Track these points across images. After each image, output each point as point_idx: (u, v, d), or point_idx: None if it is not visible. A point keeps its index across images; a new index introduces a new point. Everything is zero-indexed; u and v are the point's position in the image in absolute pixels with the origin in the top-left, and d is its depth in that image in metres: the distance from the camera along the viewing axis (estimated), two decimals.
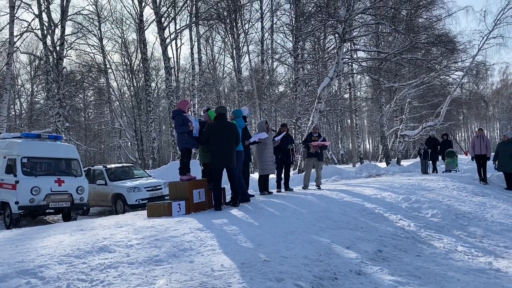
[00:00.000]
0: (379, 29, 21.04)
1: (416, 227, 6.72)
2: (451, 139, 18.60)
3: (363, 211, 7.41)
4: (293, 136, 22.28)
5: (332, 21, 18.13)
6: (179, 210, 6.79)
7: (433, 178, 12.49)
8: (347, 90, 33.35)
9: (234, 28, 26.35)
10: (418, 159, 18.84)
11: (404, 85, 23.28)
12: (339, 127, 41.66)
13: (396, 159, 26.23)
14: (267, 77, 30.32)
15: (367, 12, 18.09)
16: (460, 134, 61.35)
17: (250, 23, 29.46)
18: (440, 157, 16.61)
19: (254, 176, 12.75)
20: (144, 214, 7.13)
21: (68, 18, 20.67)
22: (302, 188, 10.46)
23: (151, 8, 21.17)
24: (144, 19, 23.94)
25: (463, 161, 21.63)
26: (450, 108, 26.90)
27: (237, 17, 25.88)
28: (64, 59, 21.06)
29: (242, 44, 28.68)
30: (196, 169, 8.64)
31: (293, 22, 22.49)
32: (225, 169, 7.28)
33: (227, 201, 7.92)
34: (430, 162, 16.16)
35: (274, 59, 30.04)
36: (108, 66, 33.08)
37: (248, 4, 27.63)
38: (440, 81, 24.93)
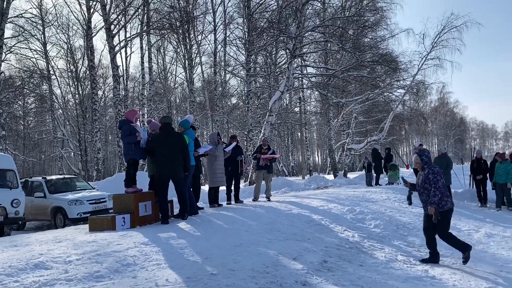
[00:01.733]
0: (328, 47, 21.79)
1: (360, 238, 6.96)
2: (393, 153, 19.52)
3: (310, 222, 7.57)
4: (245, 148, 22.48)
5: (284, 37, 18.60)
6: (123, 224, 6.56)
7: (376, 190, 13.03)
8: (298, 104, 34.15)
9: (187, 39, 26.21)
10: (363, 171, 19.56)
11: (350, 100, 24.22)
12: (289, 140, 42.43)
13: (343, 171, 27.11)
14: (220, 88, 30.37)
15: (316, 30, 18.77)
16: (402, 148, 64.52)
17: (203, 35, 29.43)
18: (383, 170, 17.38)
19: (205, 188, 12.65)
20: (86, 229, 6.83)
21: (8, 20, 19.56)
22: (253, 200, 10.52)
23: (100, 15, 20.59)
24: (93, 26, 23.25)
25: (404, 174, 22.73)
26: (393, 123, 28.25)
27: (190, 28, 25.79)
28: (3, 63, 19.88)
29: (195, 55, 28.55)
30: (143, 181, 8.39)
31: (246, 36, 22.79)
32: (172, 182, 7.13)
33: (175, 213, 7.79)
34: (374, 174, 16.85)
35: (226, 71, 30.19)
36: (51, 72, 31.60)
37: (201, 16, 27.66)
38: (383, 97, 26.15)
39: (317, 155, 63.28)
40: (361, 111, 28.06)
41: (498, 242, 7.80)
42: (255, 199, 10.51)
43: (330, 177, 25.56)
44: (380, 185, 16.39)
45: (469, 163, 14.63)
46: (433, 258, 6.19)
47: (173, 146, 6.95)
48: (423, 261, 6.15)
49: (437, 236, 6.19)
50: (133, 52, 46.46)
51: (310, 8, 21.95)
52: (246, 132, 22.22)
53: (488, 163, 13.39)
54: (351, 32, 20.46)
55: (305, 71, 27.36)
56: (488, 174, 12.85)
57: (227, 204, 9.70)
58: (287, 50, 18.32)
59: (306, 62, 23.93)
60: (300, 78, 26.75)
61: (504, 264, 6.27)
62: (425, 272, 5.51)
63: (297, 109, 33.83)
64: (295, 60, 18.50)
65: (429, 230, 6.23)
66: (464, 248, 6.11)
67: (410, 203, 10.89)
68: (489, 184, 12.97)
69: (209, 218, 7.31)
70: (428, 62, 22.50)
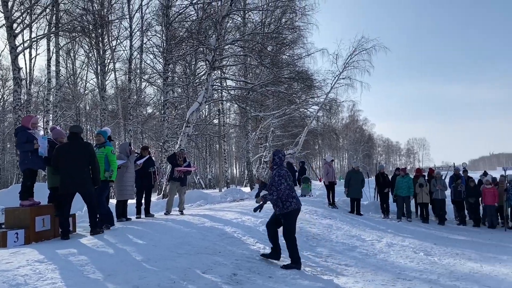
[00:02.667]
0: (247, 61, 22.19)
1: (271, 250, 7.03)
2: (306, 167, 20.30)
3: (223, 235, 7.50)
4: (160, 160, 21.81)
5: (203, 48, 18.55)
6: (16, 240, 5.95)
7: None
8: (217, 116, 34.18)
9: (100, 44, 24.94)
10: None
11: (268, 114, 24.82)
12: (207, 152, 42.20)
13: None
14: (135, 97, 29.27)
15: (236, 44, 18.99)
16: (315, 162, 67.61)
17: (118, 40, 28.23)
18: (297, 183, 17.96)
19: (113, 201, 11.99)
20: None
21: None
22: (165, 214, 10.16)
23: (1, 12, 18.78)
24: None
25: (317, 186, 23.72)
26: (307, 138, 29.50)
27: (104, 33, 24.60)
28: None
29: (108, 60, 27.23)
30: (41, 193, 7.68)
31: (164, 44, 22.34)
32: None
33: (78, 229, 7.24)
34: None
35: (142, 79, 29.23)
36: None
37: (116, 21, 26.56)
38: (299, 113, 27.24)
39: (235, 167, 63.76)
40: (278, 125, 28.87)
41: (397, 251, 8.42)
42: (167, 212, 10.15)
43: (247, 189, 25.82)
44: None
45: (374, 177, 15.71)
46: (273, 255, 6.32)
47: (81, 157, 6.51)
48: (263, 255, 6.35)
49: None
50: (38, 54, 42.93)
51: (230, 21, 22.23)
52: (161, 143, 21.61)
53: (390, 177, 14.54)
54: (270, 48, 21.06)
55: (224, 84, 27.56)
56: (389, 188, 13.93)
57: (136, 218, 9.26)
58: (207, 62, 18.28)
59: (225, 74, 24.06)
60: (219, 90, 26.84)
61: (402, 271, 6.76)
62: (330, 282, 5.71)
63: (216, 121, 33.85)
64: (215, 72, 18.52)
65: (272, 225, 6.43)
66: (295, 261, 6.14)
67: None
68: (391, 197, 14.04)
69: (116, 233, 6.89)
70: (340, 81, 23.93)
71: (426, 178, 13.89)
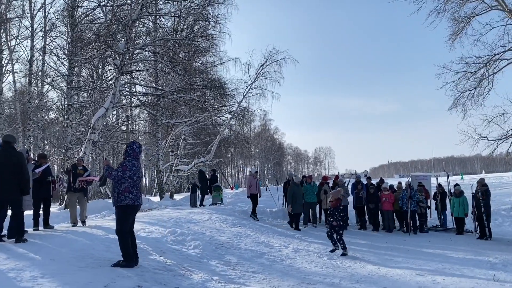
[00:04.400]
0: (159, 67, 21.79)
1: (178, 260, 7.01)
2: (218, 175, 20.45)
3: None
4: (63, 168, 20.34)
5: (111, 52, 17.82)
6: None
7: (199, 211, 13.38)
8: (125, 122, 32.90)
9: None
10: (189, 192, 19.88)
11: (180, 122, 24.56)
12: (115, 160, 40.27)
13: (170, 193, 27.01)
14: (36, 101, 27.00)
15: (146, 49, 18.55)
16: (227, 170, 68.18)
17: (18, 40, 25.88)
18: (208, 191, 17.99)
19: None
20: None
21: None
22: (72, 226, 9.50)
23: None
24: None
25: (228, 195, 24.00)
26: (220, 146, 29.73)
27: (1, 31, 22.43)
28: None
29: (6, 61, 24.82)
30: None
31: (69, 46, 21.01)
32: None
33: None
34: (200, 195, 17.30)
35: (44, 82, 27.11)
36: None
37: (16, 19, 24.34)
38: (212, 121, 27.33)
39: (145, 176, 61.68)
40: (190, 133, 28.67)
41: (303, 256, 8.86)
42: (74, 224, 9.54)
43: (156, 198, 25.19)
44: (204, 205, 16.90)
45: (283, 184, 16.28)
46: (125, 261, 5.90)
47: (14, 167, 6.70)
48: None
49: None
50: None
51: (141, 26, 21.70)
52: (64, 150, 20.20)
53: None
54: (182, 55, 20.92)
55: (134, 89, 26.68)
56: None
57: (34, 230, 8.58)
58: (115, 66, 17.58)
59: (135, 80, 23.33)
60: (128, 96, 25.91)
61: (306, 276, 7.15)
62: None
63: (124, 128, 32.55)
64: (123, 76, 17.87)
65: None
66: (127, 258, 5.88)
67: None
68: None
69: (8, 247, 6.35)
70: (252, 90, 24.60)
71: (331, 185, 14.74)
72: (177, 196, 27.47)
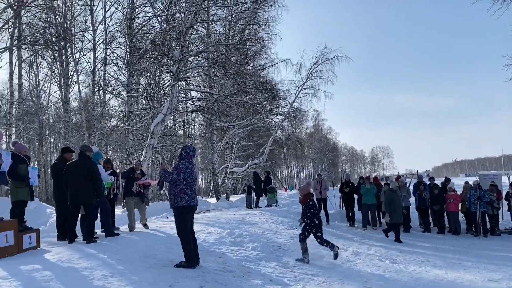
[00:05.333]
0: (212, 72, 22.29)
1: (238, 261, 7.11)
2: (272, 176, 20.50)
3: None
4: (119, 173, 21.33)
5: (167, 60, 18.50)
6: None
7: (255, 212, 13.47)
8: (181, 127, 33.92)
9: (63, 56, 24.35)
10: (244, 194, 20.10)
11: (233, 125, 24.94)
12: (173, 164, 41.68)
13: (225, 194, 27.51)
14: (99, 109, 28.65)
15: (200, 55, 19.06)
16: (281, 171, 68.08)
17: (82, 53, 27.61)
18: (263, 193, 18.08)
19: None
20: None
21: None
22: (129, 230, 9.81)
23: None
24: None
25: (283, 196, 24.00)
26: (273, 147, 29.81)
27: (67, 45, 24.04)
28: None
29: (72, 73, 26.60)
30: (4, 208, 7.51)
31: (128, 56, 22.09)
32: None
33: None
34: (255, 197, 17.44)
35: (106, 91, 28.69)
36: None
37: (80, 33, 26.00)
38: (264, 123, 27.54)
39: (201, 178, 63.26)
40: (243, 135, 29.01)
41: (364, 259, 8.63)
42: (131, 229, 9.58)
43: (213, 200, 25.72)
44: (259, 207, 17.01)
45: (339, 186, 15.95)
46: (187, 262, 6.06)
47: (88, 174, 7.42)
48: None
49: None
50: (1, 67, 41.32)
51: (194, 33, 22.30)
52: (126, 155, 21.24)
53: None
54: (234, 59, 21.25)
55: (189, 95, 27.48)
56: (356, 196, 14.16)
57: (101, 231, 9.08)
58: (171, 73, 18.25)
59: (190, 85, 24.05)
60: (184, 101, 26.72)
61: (368, 280, 6.95)
62: None
63: (181, 132, 33.58)
64: (179, 83, 18.49)
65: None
66: (189, 259, 6.07)
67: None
68: (356, 206, 14.30)
69: (80, 247, 6.78)
70: (304, 91, 24.46)
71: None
72: (232, 198, 27.92)
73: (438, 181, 15.13)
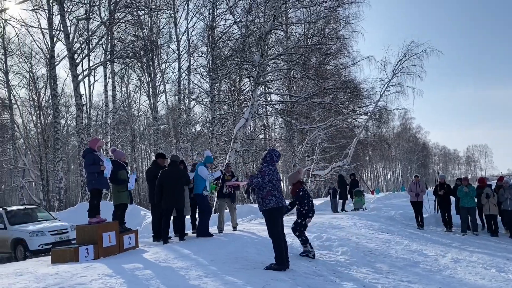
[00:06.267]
0: (291, 74, 22.27)
1: (327, 265, 6.91)
2: (358, 179, 19.81)
3: None
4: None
5: (247, 65, 18.86)
6: (87, 255, 6.35)
7: (342, 216, 13.09)
8: (262, 130, 34.40)
9: (151, 67, 26.12)
10: (328, 198, 19.69)
11: (314, 127, 24.61)
12: (254, 167, 42.40)
13: None
14: (184, 116, 30.19)
15: (279, 58, 19.13)
16: (366, 174, 65.86)
17: (167, 63, 29.42)
18: (349, 196, 17.55)
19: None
20: (48, 261, 6.59)
21: None
22: (219, 232, 10.00)
23: (64, 44, 20.24)
24: (56, 55, 22.73)
25: (369, 199, 23.11)
26: (357, 149, 28.82)
27: (154, 57, 25.73)
28: None
29: (159, 83, 28.43)
30: (107, 210, 8.18)
31: (210, 64, 22.95)
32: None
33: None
34: (340, 200, 16.98)
35: (191, 99, 30.13)
36: (13, 101, 30.49)
37: (165, 44, 27.69)
38: (347, 124, 26.71)
39: (283, 181, 63.53)
40: (325, 137, 28.51)
41: (465, 267, 7.92)
42: (220, 230, 9.85)
43: None
44: (346, 211, 16.53)
45: (433, 188, 14.88)
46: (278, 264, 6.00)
47: (179, 180, 8.08)
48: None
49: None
50: (96, 80, 45.70)
51: (273, 36, 22.47)
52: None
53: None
54: (313, 59, 21.00)
55: (269, 98, 27.74)
56: (453, 199, 13.11)
57: (192, 233, 9.45)
58: (251, 78, 18.57)
59: (270, 89, 24.27)
60: (264, 105, 27.06)
61: None
62: None
63: (261, 136, 34.03)
64: (259, 87, 18.74)
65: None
66: (280, 262, 5.99)
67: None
68: (453, 209, 13.25)
69: (175, 248, 7.09)
70: (390, 88, 23.20)
71: (493, 187, 12.94)
72: (316, 201, 27.53)
73: None
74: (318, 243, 8.41)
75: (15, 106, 31.26)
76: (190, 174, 9.01)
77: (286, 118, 23.74)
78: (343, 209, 16.72)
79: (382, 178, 75.02)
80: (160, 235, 8.19)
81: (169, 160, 8.68)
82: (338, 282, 6.08)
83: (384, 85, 23.06)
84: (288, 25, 23.30)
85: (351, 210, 16.68)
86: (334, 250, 8.09)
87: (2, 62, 29.14)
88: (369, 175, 69.82)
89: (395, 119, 54.51)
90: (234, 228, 10.18)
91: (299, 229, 7.27)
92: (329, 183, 24.12)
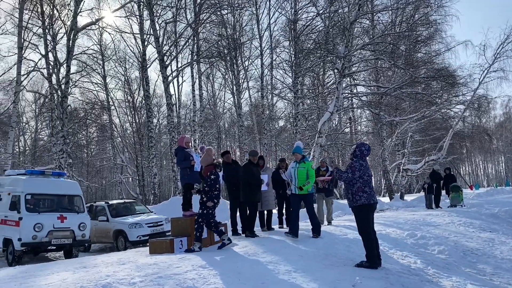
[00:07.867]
0: (379, 64, 21.32)
1: (423, 264, 6.52)
2: (454, 173, 18.41)
3: None
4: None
5: (331, 57, 18.45)
6: (181, 246, 6.73)
7: (438, 213, 12.28)
8: (348, 124, 33.51)
9: (234, 65, 26.85)
10: (422, 193, 18.61)
11: (405, 119, 23.33)
12: (340, 162, 41.51)
13: (399, 193, 25.94)
14: (267, 112, 30.55)
15: (365, 48, 18.43)
16: (464, 168, 60.94)
17: (250, 60, 29.99)
18: (443, 192, 16.40)
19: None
20: (145, 251, 7.09)
21: (73, 57, 21.07)
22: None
23: (154, 47, 21.71)
24: (147, 58, 24.46)
25: (468, 195, 21.39)
26: (453, 141, 26.81)
27: (237, 55, 26.39)
28: (69, 96, 21.30)
29: (242, 80, 29.11)
30: (196, 204, 8.57)
31: (292, 58, 22.89)
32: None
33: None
34: (435, 196, 15.93)
35: (274, 95, 30.38)
36: (111, 103, 33.44)
37: (248, 42, 28.25)
38: (441, 114, 24.94)
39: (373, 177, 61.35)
40: (417, 129, 26.95)
41: None
42: (321, 222, 9.76)
43: (386, 199, 24.60)
44: (441, 207, 15.47)
45: None
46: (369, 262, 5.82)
47: (255, 176, 8.06)
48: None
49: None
50: (184, 80, 48.29)
51: (358, 26, 21.70)
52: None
53: None
54: (403, 48, 19.92)
55: (355, 90, 26.90)
56: None
57: (279, 228, 9.52)
58: (336, 70, 18.16)
59: (356, 81, 23.50)
60: (350, 98, 26.30)
61: None
62: None
63: (347, 130, 33.16)
64: (344, 79, 18.23)
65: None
66: (371, 259, 5.80)
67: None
68: None
69: (263, 242, 7.20)
70: (491, 74, 21.31)
71: None
72: (407, 197, 26.19)
73: None
74: (412, 241, 7.98)
75: (112, 107, 34.19)
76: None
77: (374, 111, 22.80)
78: (437, 206, 15.66)
79: (482, 172, 68.80)
80: (237, 229, 8.43)
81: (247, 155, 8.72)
82: (435, 282, 5.71)
83: (484, 71, 21.19)
84: (374, 13, 22.27)
85: (448, 207, 15.54)
86: (430, 249, 7.63)
87: (101, 67, 31.99)
88: (467, 169, 64.45)
89: (497, 107, 49.66)
90: (329, 222, 10.15)
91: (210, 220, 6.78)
92: (421, 178, 22.74)
